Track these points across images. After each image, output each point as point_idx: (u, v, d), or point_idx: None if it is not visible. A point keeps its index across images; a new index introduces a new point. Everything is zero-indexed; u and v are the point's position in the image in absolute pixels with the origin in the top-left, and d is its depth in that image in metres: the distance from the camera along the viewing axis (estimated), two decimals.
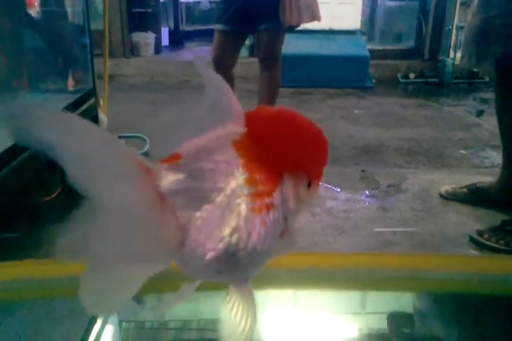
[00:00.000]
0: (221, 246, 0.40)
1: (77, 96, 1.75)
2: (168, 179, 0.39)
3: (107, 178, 0.36)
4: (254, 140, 0.42)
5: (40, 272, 1.19)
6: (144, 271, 0.40)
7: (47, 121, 0.35)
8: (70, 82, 1.72)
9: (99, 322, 1.13)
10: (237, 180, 0.41)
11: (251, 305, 0.44)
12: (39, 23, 1.64)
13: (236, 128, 0.42)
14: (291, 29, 2.76)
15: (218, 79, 0.43)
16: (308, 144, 0.44)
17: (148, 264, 0.40)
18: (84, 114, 1.74)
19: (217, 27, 2.72)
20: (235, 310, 0.43)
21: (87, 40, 1.89)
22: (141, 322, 1.25)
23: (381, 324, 1.28)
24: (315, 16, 2.66)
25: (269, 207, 0.41)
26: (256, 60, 2.88)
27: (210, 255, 0.40)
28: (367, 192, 2.00)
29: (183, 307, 1.28)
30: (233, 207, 0.40)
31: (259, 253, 0.41)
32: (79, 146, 0.35)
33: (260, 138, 0.42)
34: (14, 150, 1.20)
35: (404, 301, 1.31)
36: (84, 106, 1.76)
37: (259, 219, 0.41)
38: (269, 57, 2.71)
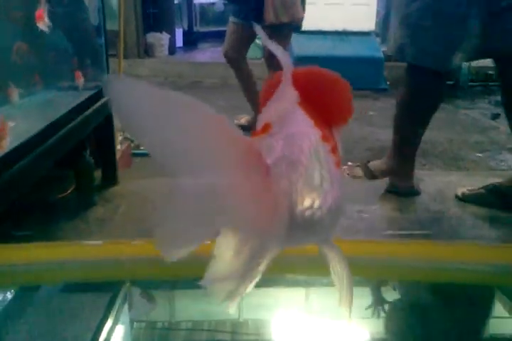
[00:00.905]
0: (326, 203, 0.41)
1: (90, 93, 1.75)
2: (269, 149, 0.40)
3: (220, 157, 0.37)
4: (305, 100, 0.44)
5: (50, 254, 1.19)
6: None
7: (147, 98, 0.35)
8: (79, 78, 1.71)
9: (110, 321, 1.13)
10: (316, 139, 0.42)
11: (344, 260, 0.47)
12: (54, 22, 1.65)
13: (293, 90, 0.44)
14: (295, 29, 2.86)
15: (278, 48, 0.45)
16: (345, 98, 0.47)
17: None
18: (99, 111, 1.75)
19: (231, 19, 2.93)
20: (335, 269, 0.46)
21: (103, 40, 1.90)
22: (152, 322, 1.25)
23: (393, 328, 1.26)
24: (293, 16, 2.74)
25: (340, 160, 0.44)
26: None
27: (318, 214, 0.40)
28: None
29: (194, 308, 1.28)
30: (323, 165, 0.41)
31: (342, 206, 0.44)
32: (188, 125, 0.36)
33: (310, 97, 0.44)
34: (28, 145, 1.20)
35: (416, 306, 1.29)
36: (98, 103, 1.76)
37: (339, 173, 0.43)
38: (268, 55, 2.81)
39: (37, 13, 1.44)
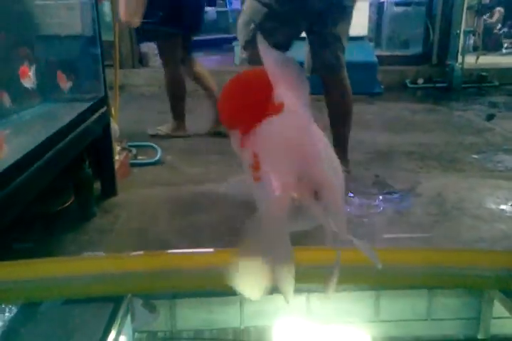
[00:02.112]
0: None
1: (88, 105, 1.76)
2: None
3: None
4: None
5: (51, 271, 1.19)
6: None
7: None
8: (63, 81, 1.64)
9: (113, 332, 1.13)
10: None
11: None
12: (52, 38, 1.66)
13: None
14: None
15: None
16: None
17: None
18: (97, 122, 1.75)
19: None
20: None
21: (99, 51, 1.90)
22: (153, 332, 1.25)
23: (395, 332, 1.26)
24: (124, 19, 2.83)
25: None
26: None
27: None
28: (380, 197, 1.99)
29: (195, 317, 1.28)
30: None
31: None
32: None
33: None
34: (30, 158, 1.20)
35: (418, 307, 1.30)
36: (96, 114, 1.77)
37: None
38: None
39: (21, 69, 1.38)
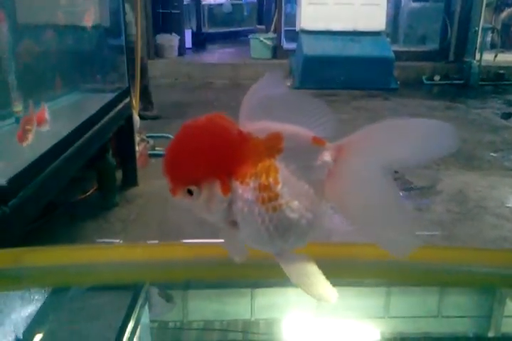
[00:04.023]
0: None
1: (113, 95, 1.77)
2: None
3: None
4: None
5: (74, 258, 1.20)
6: None
7: None
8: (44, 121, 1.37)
9: (132, 321, 1.14)
10: None
11: None
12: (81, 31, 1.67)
13: None
14: None
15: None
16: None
17: None
18: (121, 113, 1.76)
19: None
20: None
21: (123, 43, 1.91)
22: (164, 322, 1.26)
23: (405, 328, 1.26)
24: None
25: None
26: (279, 61, 2.90)
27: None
28: (400, 193, 1.99)
29: (207, 308, 1.29)
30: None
31: None
32: None
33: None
34: (63, 145, 1.21)
35: (429, 304, 1.29)
36: (121, 105, 1.78)
37: None
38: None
39: (38, 115, 1.33)
